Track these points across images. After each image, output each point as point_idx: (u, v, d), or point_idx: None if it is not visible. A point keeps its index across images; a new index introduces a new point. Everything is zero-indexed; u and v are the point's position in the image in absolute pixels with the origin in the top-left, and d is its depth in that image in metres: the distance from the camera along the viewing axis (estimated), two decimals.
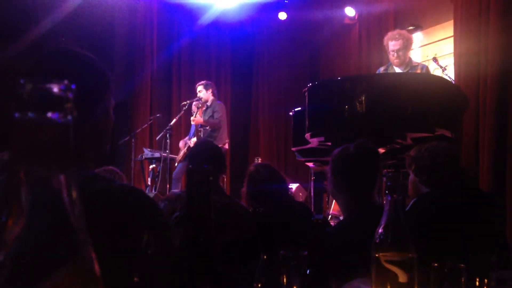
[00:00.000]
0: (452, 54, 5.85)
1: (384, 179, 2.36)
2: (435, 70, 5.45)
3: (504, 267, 1.43)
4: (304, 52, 8.78)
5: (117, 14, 7.51)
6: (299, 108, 4.97)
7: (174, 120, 6.86)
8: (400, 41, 4.82)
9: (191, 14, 8.27)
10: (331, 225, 3.28)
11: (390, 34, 4.98)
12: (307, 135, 4.26)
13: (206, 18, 8.24)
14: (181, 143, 6.95)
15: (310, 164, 5.24)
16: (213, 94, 6.75)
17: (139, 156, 7.03)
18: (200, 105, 6.68)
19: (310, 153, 4.84)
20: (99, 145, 1.14)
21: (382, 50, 5.45)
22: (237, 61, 9.07)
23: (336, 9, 7.68)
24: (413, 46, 5.31)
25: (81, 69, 1.09)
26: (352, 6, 7.57)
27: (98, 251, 0.48)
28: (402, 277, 0.99)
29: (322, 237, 2.33)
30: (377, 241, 1.02)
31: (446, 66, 5.21)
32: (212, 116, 6.63)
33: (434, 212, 2.39)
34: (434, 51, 6.49)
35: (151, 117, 7.59)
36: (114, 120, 1.20)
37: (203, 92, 6.70)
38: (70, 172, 0.46)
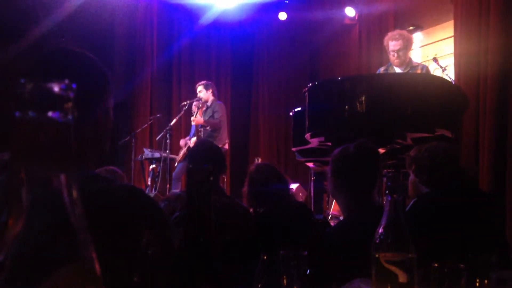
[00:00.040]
0: (452, 54, 5.85)
1: (384, 179, 2.36)
2: (435, 70, 5.45)
3: (504, 267, 1.44)
4: (304, 52, 8.78)
5: (117, 14, 7.51)
6: (299, 108, 4.97)
7: (174, 120, 6.86)
8: (400, 41, 4.82)
9: (191, 14, 8.27)
10: (331, 225, 3.29)
11: (390, 34, 4.98)
12: (307, 135, 4.26)
13: (206, 18, 8.24)
14: (181, 142, 6.95)
15: (310, 164, 5.24)
16: (213, 94, 6.75)
17: (139, 156, 7.03)
18: (200, 105, 6.68)
19: (310, 153, 4.84)
20: (99, 145, 1.14)
21: (382, 50, 5.45)
22: (237, 61, 9.07)
23: (336, 9, 7.68)
24: (413, 46, 5.32)
25: (81, 69, 1.09)
26: (352, 6, 7.57)
27: (99, 251, 0.48)
28: (402, 277, 0.99)
29: (322, 237, 2.33)
30: (377, 241, 1.02)
31: (446, 66, 5.21)
32: (212, 116, 6.63)
33: (434, 212, 2.39)
34: (434, 51, 6.49)
35: (151, 117, 7.59)
36: (113, 120, 1.20)
37: (203, 92, 6.70)
38: (70, 171, 0.46)
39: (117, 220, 0.97)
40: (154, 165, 6.86)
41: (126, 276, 0.95)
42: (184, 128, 7.93)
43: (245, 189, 3.00)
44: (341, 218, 2.72)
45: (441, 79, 4.45)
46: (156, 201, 1.13)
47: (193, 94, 6.98)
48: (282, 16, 8.31)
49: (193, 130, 6.82)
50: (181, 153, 6.73)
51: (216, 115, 6.62)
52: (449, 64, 5.72)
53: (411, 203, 2.54)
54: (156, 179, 6.69)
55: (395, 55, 4.83)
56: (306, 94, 4.24)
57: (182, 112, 6.87)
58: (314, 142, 4.39)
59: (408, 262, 1.00)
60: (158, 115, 7.41)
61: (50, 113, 0.43)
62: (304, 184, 6.61)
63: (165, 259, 0.99)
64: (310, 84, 4.32)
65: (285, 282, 1.09)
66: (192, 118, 6.68)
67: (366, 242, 1.06)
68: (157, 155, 6.78)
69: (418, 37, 6.59)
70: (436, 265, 1.06)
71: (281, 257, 1.09)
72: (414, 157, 2.62)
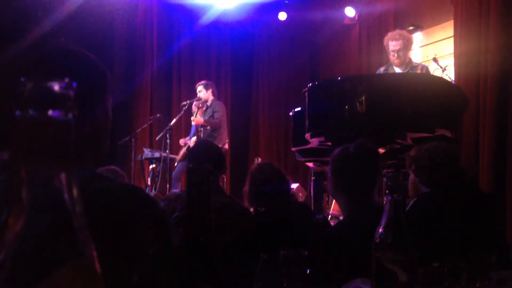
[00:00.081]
0: (452, 54, 5.85)
1: (384, 179, 2.36)
2: (435, 70, 5.45)
3: (504, 267, 1.44)
4: (304, 52, 8.78)
5: (117, 14, 7.51)
6: (299, 108, 4.97)
7: (174, 120, 6.86)
8: (400, 42, 4.82)
9: (191, 14, 8.27)
10: (331, 225, 3.28)
11: (390, 34, 4.98)
12: (307, 135, 4.26)
13: (206, 18, 8.24)
14: (181, 141, 6.95)
15: (310, 164, 5.25)
16: (213, 94, 6.75)
17: (139, 156, 7.03)
18: (200, 105, 6.68)
19: (310, 153, 4.85)
20: (98, 144, 1.14)
21: (382, 50, 5.45)
22: (237, 61, 9.07)
23: (336, 9, 7.68)
24: (413, 46, 5.32)
25: (81, 69, 1.09)
26: (352, 6, 7.57)
27: (99, 250, 0.48)
28: (402, 277, 0.99)
29: (322, 237, 2.33)
30: (377, 241, 1.02)
31: (446, 66, 5.21)
32: (212, 116, 6.63)
33: (434, 212, 2.39)
34: (434, 51, 6.50)
35: (151, 117, 7.59)
36: (113, 119, 1.20)
37: (203, 92, 6.70)
38: (71, 170, 0.46)
39: (117, 220, 0.97)
40: (154, 165, 6.86)
41: (126, 275, 0.94)
42: (184, 128, 7.93)
43: (246, 188, 3.00)
44: (341, 218, 2.72)
45: (441, 79, 4.45)
46: (156, 201, 1.13)
47: (193, 94, 6.98)
48: (282, 16, 8.31)
49: (193, 130, 6.82)
50: (181, 152, 6.73)
51: (216, 115, 6.62)
52: (449, 64, 5.72)
53: (411, 203, 2.54)
54: (156, 179, 6.69)
55: (395, 55, 4.83)
56: (306, 94, 4.24)
57: (182, 112, 6.87)
58: (314, 142, 4.39)
59: (408, 261, 1.00)
60: (158, 115, 7.40)
61: (50, 112, 0.43)
62: (304, 184, 6.62)
63: (165, 258, 0.99)
64: (310, 84, 4.32)
65: (285, 281, 1.09)
66: (192, 118, 6.68)
67: (366, 242, 1.06)
68: (157, 155, 6.78)
69: (418, 37, 6.59)
70: (436, 264, 1.07)
71: (281, 257, 1.09)
72: (414, 157, 2.62)
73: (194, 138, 6.53)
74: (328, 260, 1.93)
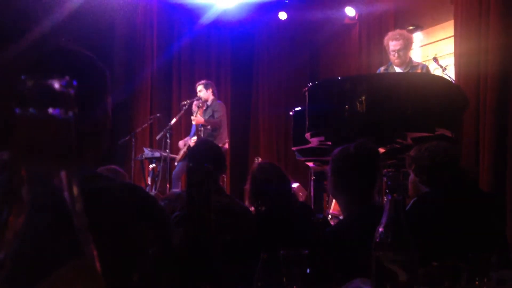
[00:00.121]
0: (452, 54, 5.85)
1: (384, 178, 2.36)
2: (435, 70, 5.45)
3: (504, 267, 1.43)
4: (304, 52, 8.78)
5: (117, 14, 7.51)
6: (299, 108, 4.97)
7: (174, 120, 6.86)
8: (400, 41, 4.82)
9: (191, 14, 8.27)
10: (331, 224, 3.28)
11: (390, 34, 4.97)
12: (307, 135, 4.26)
13: (206, 18, 8.24)
14: (180, 143, 6.95)
15: (310, 164, 5.24)
16: (213, 94, 6.75)
17: (139, 156, 7.03)
18: (200, 104, 6.68)
19: (310, 153, 4.84)
20: (98, 144, 1.14)
21: (382, 50, 5.45)
22: (237, 61, 9.07)
23: (336, 9, 7.68)
24: (413, 46, 5.31)
25: (80, 68, 1.09)
26: (352, 6, 7.57)
27: (99, 249, 0.48)
28: (402, 276, 0.99)
29: (322, 236, 2.33)
30: (377, 240, 1.02)
31: (446, 66, 5.21)
32: (212, 115, 6.63)
33: (434, 212, 2.39)
34: (434, 51, 6.49)
35: (151, 117, 7.58)
36: (113, 119, 1.20)
37: (203, 92, 6.70)
38: (71, 169, 0.46)
39: (118, 219, 0.97)
40: (154, 165, 6.86)
41: (126, 275, 0.94)
42: (184, 128, 7.93)
43: (247, 187, 3.00)
44: (341, 217, 2.72)
45: (441, 79, 4.45)
46: (157, 200, 1.13)
47: (193, 94, 6.98)
48: (282, 15, 8.31)
49: (193, 130, 6.82)
50: (181, 152, 6.73)
51: (216, 115, 6.62)
52: (449, 63, 5.72)
53: (411, 202, 2.54)
54: (156, 179, 6.69)
55: (396, 55, 4.83)
56: (306, 93, 4.24)
57: (182, 112, 6.87)
58: (314, 142, 4.39)
59: (408, 261, 1.00)
60: (158, 115, 7.41)
61: (50, 110, 0.43)
62: (304, 184, 6.62)
63: (165, 258, 0.99)
64: (310, 84, 4.32)
65: (285, 281, 1.09)
66: (192, 117, 6.68)
67: (366, 242, 1.06)
68: (157, 154, 6.78)
69: (418, 37, 6.59)
70: (436, 264, 1.07)
71: (281, 256, 1.09)
72: (414, 156, 2.62)
73: (194, 138, 6.53)
74: (328, 260, 1.93)
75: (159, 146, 6.85)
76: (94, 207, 0.66)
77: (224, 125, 6.71)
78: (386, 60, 5.42)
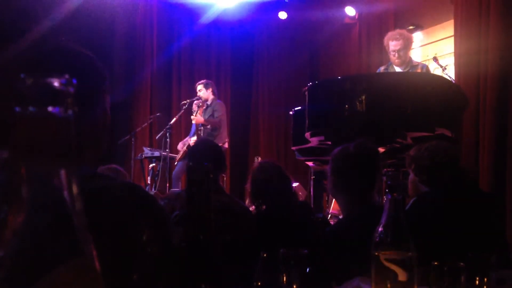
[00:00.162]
0: (452, 54, 5.85)
1: (384, 178, 2.36)
2: (435, 70, 5.45)
3: (504, 267, 1.44)
4: (304, 51, 8.78)
5: (117, 14, 7.51)
6: (299, 108, 4.97)
7: (174, 119, 6.87)
8: (400, 41, 4.81)
9: (191, 14, 8.27)
10: (330, 224, 3.29)
11: (390, 34, 4.97)
12: (307, 134, 4.26)
13: (206, 17, 8.24)
14: (179, 145, 6.94)
15: (310, 163, 5.25)
16: (213, 93, 6.75)
17: (139, 155, 7.04)
18: (200, 104, 6.68)
19: (310, 152, 4.85)
20: (98, 143, 1.13)
21: (382, 49, 5.45)
22: (237, 60, 9.07)
23: (336, 8, 7.68)
24: (413, 45, 5.31)
25: (79, 66, 1.09)
26: (352, 6, 7.57)
27: (98, 249, 0.48)
28: (402, 276, 0.99)
29: (322, 236, 2.34)
30: (377, 239, 1.02)
31: (446, 65, 5.21)
32: (212, 115, 6.63)
33: (434, 211, 2.39)
34: (434, 51, 6.49)
35: (151, 116, 7.59)
36: (113, 118, 1.20)
37: (203, 91, 6.71)
38: (70, 168, 0.46)
39: (117, 218, 0.97)
40: (154, 164, 6.87)
41: (125, 274, 0.94)
42: (184, 127, 7.94)
43: (248, 185, 3.00)
44: (341, 217, 2.72)
45: (441, 79, 4.45)
46: (156, 199, 1.13)
47: (193, 93, 6.98)
48: (282, 15, 8.31)
49: (193, 129, 6.82)
50: (181, 151, 6.73)
51: (216, 114, 6.62)
52: (449, 63, 5.73)
53: (411, 202, 2.54)
54: (156, 178, 6.70)
55: (396, 55, 4.83)
56: (306, 93, 4.24)
57: (182, 111, 6.87)
58: (314, 141, 4.39)
59: (408, 260, 1.00)
60: (158, 114, 7.41)
61: (50, 108, 0.43)
62: (304, 183, 6.61)
63: (165, 258, 0.99)
64: (310, 83, 4.32)
65: (285, 280, 1.08)
66: (192, 117, 6.68)
67: (365, 241, 1.06)
68: (157, 154, 6.79)
69: (418, 37, 6.59)
70: (436, 263, 1.07)
71: (281, 256, 1.09)
72: (414, 156, 2.62)
73: (194, 138, 6.54)
74: (328, 259, 1.93)
75: (159, 145, 6.85)
76: (93, 207, 0.66)
77: (224, 125, 6.71)
78: (386, 60, 5.42)
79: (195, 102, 6.73)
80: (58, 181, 0.45)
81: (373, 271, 1.02)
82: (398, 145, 3.88)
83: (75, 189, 0.46)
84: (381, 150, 3.49)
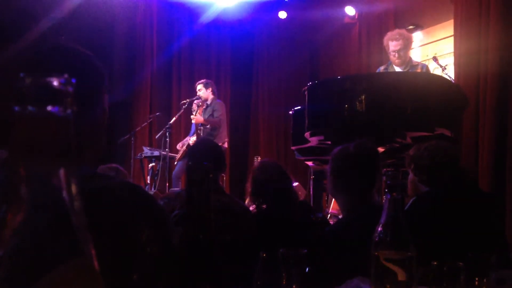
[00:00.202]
0: (452, 54, 5.85)
1: (384, 178, 2.36)
2: (435, 69, 5.45)
3: (504, 267, 1.43)
4: (304, 51, 8.78)
5: (117, 14, 7.50)
6: (299, 107, 4.97)
7: (173, 119, 6.87)
8: (400, 42, 4.81)
9: (191, 13, 8.27)
10: (330, 224, 3.29)
11: (389, 34, 4.97)
12: (307, 134, 4.26)
13: (206, 17, 8.23)
14: (179, 145, 6.95)
15: (310, 163, 5.25)
16: (213, 93, 6.75)
17: (139, 155, 7.04)
18: (200, 103, 6.68)
19: (310, 152, 4.85)
20: (96, 142, 1.13)
21: (382, 49, 5.45)
22: (237, 60, 9.07)
23: (336, 8, 7.68)
24: (413, 45, 5.31)
25: (78, 66, 1.09)
26: (352, 5, 7.57)
27: (98, 248, 0.48)
28: (401, 276, 0.99)
29: (322, 235, 2.33)
30: (376, 239, 1.02)
31: (446, 65, 5.21)
32: (212, 114, 6.63)
33: (434, 211, 2.39)
34: (434, 50, 6.49)
35: (151, 116, 7.59)
36: (113, 118, 1.20)
37: (203, 91, 6.71)
38: (70, 167, 0.46)
39: (117, 218, 0.97)
40: (153, 163, 6.87)
41: (125, 274, 0.94)
42: (184, 127, 7.94)
43: (248, 184, 3.00)
44: (340, 217, 2.72)
45: (441, 78, 4.45)
46: (156, 199, 1.12)
47: (193, 93, 6.98)
48: (282, 15, 8.31)
49: (193, 129, 6.82)
50: (181, 151, 6.74)
51: (215, 114, 6.62)
52: (449, 63, 5.73)
53: (410, 202, 2.53)
54: (156, 177, 6.70)
55: (396, 55, 4.83)
56: (306, 92, 4.24)
57: (182, 111, 6.87)
58: (313, 141, 4.39)
59: (407, 260, 1.00)
60: (157, 114, 7.41)
61: (49, 108, 0.43)
62: (303, 183, 6.61)
63: (165, 257, 0.99)
64: (310, 83, 4.32)
65: (284, 280, 1.08)
66: (192, 116, 6.68)
67: (365, 241, 1.06)
68: (156, 153, 6.79)
69: (418, 36, 6.59)
70: (435, 263, 1.06)
71: (280, 255, 1.09)
72: (413, 156, 2.62)
73: (194, 137, 6.54)
74: (327, 259, 1.93)
75: (159, 145, 6.85)
76: (93, 207, 0.66)
77: (223, 124, 6.71)
78: (386, 60, 5.42)
79: (195, 101, 6.73)
80: (57, 181, 0.45)
81: (373, 271, 1.02)
82: (398, 145, 3.88)
83: (74, 188, 0.46)
84: (380, 150, 3.49)
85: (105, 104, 1.14)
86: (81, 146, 1.06)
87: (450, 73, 5.08)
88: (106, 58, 6.94)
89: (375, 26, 7.33)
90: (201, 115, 6.61)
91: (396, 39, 4.82)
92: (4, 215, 0.44)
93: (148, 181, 6.90)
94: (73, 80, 0.44)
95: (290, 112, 5.22)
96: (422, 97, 3.79)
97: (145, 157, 6.98)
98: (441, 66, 4.94)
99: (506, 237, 2.66)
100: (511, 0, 5.06)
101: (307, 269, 1.09)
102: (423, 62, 5.44)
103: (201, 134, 6.50)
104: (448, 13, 6.08)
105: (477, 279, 1.17)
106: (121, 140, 6.84)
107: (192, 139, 6.51)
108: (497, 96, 5.05)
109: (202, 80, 6.88)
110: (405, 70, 4.83)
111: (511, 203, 4.80)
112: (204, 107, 6.70)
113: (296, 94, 7.06)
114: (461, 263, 1.07)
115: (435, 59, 5.15)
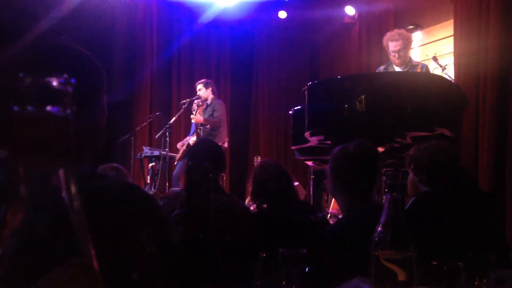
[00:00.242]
0: (452, 54, 5.85)
1: (384, 177, 2.36)
2: (435, 69, 5.45)
3: (504, 267, 1.43)
4: (304, 51, 8.78)
5: (117, 14, 7.50)
6: (299, 107, 4.97)
7: (173, 119, 6.87)
8: (400, 42, 4.81)
9: (191, 13, 8.27)
10: (330, 224, 3.28)
11: (389, 34, 4.97)
12: (307, 134, 4.26)
13: (206, 16, 8.23)
14: (179, 144, 6.95)
15: (310, 163, 5.24)
16: (213, 93, 6.75)
17: (139, 154, 7.04)
18: (200, 103, 6.68)
19: (310, 152, 4.84)
20: (95, 142, 1.13)
21: (382, 49, 5.45)
22: (237, 60, 9.07)
23: (336, 8, 7.68)
24: (413, 45, 5.31)
25: (77, 65, 1.09)
26: (352, 5, 7.57)
27: (98, 248, 0.48)
28: (401, 276, 0.99)
29: (322, 235, 2.33)
30: (376, 239, 1.02)
31: (446, 65, 5.21)
32: (212, 114, 6.63)
33: (434, 211, 2.39)
34: (434, 50, 6.49)
35: (151, 116, 7.59)
36: (113, 118, 1.20)
37: (202, 91, 6.71)
38: (69, 167, 0.45)
39: (117, 218, 0.97)
40: (153, 163, 6.87)
41: (125, 274, 0.94)
42: (184, 127, 7.94)
43: (249, 184, 3.00)
44: (340, 216, 2.72)
45: (440, 78, 4.44)
46: (155, 199, 1.13)
47: (192, 93, 6.98)
48: (282, 14, 8.30)
49: (193, 129, 6.82)
50: (181, 151, 6.74)
51: (215, 114, 6.62)
52: (448, 63, 5.73)
53: (410, 201, 2.53)
54: (156, 177, 6.70)
55: (396, 55, 4.83)
56: (306, 92, 4.24)
57: (182, 110, 6.87)
58: (313, 141, 4.39)
59: (407, 260, 1.00)
60: (157, 113, 7.41)
61: (48, 108, 0.43)
62: (303, 183, 6.61)
63: (165, 257, 0.99)
64: (310, 83, 4.32)
65: (284, 280, 1.08)
66: (192, 116, 6.68)
67: (365, 241, 1.06)
68: (156, 153, 6.79)
69: (418, 36, 6.59)
70: (435, 263, 1.06)
71: (280, 255, 1.09)
72: (413, 156, 2.61)
73: (194, 137, 6.54)
74: (327, 259, 1.93)
75: (159, 144, 6.86)
76: (93, 207, 0.66)
77: (223, 124, 6.71)
78: (386, 59, 5.42)
79: (195, 101, 6.73)
80: (57, 181, 0.45)
81: (373, 271, 1.01)
82: (398, 145, 3.88)
83: (73, 188, 0.46)
84: (380, 149, 3.49)
85: (104, 103, 1.14)
86: (81, 146, 1.06)
87: (450, 73, 5.08)
88: (106, 58, 6.93)
89: (375, 26, 7.33)
90: (201, 115, 6.61)
91: (396, 40, 4.82)
92: (4, 215, 0.44)
93: (148, 181, 6.90)
94: (73, 80, 0.44)
95: (290, 112, 5.22)
96: (422, 97, 3.79)
97: (145, 157, 6.99)
98: (441, 66, 4.94)
99: (506, 237, 2.66)
100: (511, 0, 5.06)
101: (307, 269, 1.09)
102: (423, 62, 5.44)
103: (201, 134, 6.50)
104: (448, 13, 6.08)
105: (477, 279, 1.17)
106: (121, 140, 6.84)
107: (192, 139, 6.51)
108: (497, 96, 5.05)
109: (202, 80, 6.88)
110: (405, 70, 4.83)
111: (511, 203, 4.80)
112: (204, 107, 6.70)
113: (296, 94, 7.06)
114: (461, 263, 1.07)
115: (435, 59, 5.15)
